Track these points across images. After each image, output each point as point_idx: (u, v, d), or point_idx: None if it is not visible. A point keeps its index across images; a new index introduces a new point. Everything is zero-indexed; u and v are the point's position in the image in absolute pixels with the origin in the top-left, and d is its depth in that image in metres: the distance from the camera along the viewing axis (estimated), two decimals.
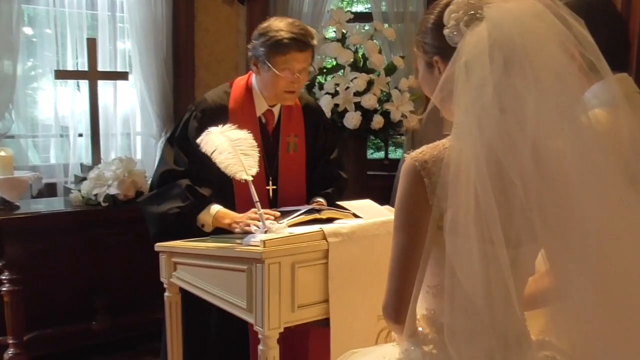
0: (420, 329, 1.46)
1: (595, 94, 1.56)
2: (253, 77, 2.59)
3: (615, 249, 1.29)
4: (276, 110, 2.63)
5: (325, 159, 2.74)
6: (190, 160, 2.51)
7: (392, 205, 1.74)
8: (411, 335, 1.44)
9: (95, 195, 3.55)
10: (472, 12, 1.31)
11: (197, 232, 2.45)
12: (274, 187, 2.60)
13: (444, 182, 1.32)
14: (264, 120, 2.61)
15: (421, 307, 1.47)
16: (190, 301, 2.46)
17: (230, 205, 2.48)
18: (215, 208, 2.44)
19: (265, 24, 2.47)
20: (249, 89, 2.59)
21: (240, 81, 2.62)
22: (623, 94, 1.63)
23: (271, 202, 2.57)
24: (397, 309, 1.42)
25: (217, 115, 2.49)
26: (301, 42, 2.41)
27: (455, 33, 1.33)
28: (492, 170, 1.26)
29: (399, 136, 4.77)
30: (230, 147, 2.19)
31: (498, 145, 1.27)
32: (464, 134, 1.29)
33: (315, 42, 2.47)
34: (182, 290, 2.41)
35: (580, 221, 1.27)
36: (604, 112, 1.50)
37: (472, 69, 1.27)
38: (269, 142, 2.59)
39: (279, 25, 2.42)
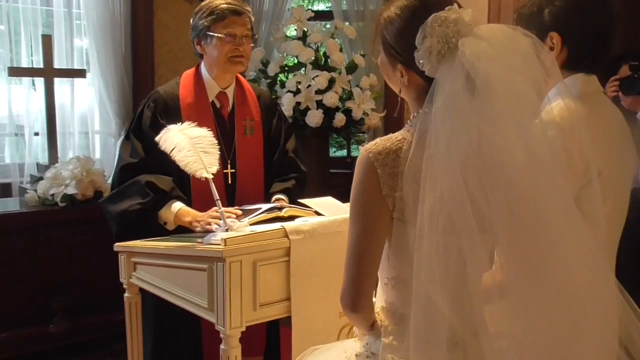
0: (379, 321, 1.47)
1: (569, 85, 1.65)
2: (201, 65, 2.64)
3: (559, 249, 1.33)
4: (230, 93, 2.65)
5: (282, 149, 2.75)
6: (146, 151, 2.50)
7: None
8: (371, 328, 1.46)
9: (52, 195, 3.50)
10: (447, 42, 1.32)
11: (159, 231, 2.43)
12: (232, 170, 2.60)
13: (397, 172, 1.35)
14: (218, 105, 2.64)
15: (380, 299, 1.49)
16: (149, 302, 2.44)
17: (187, 201, 2.47)
18: (177, 206, 2.42)
19: (198, 6, 2.60)
20: (198, 75, 2.64)
21: (188, 72, 2.68)
22: (590, 93, 1.72)
23: (229, 187, 2.58)
24: (355, 298, 1.43)
25: (169, 103, 2.55)
26: (236, 9, 2.52)
27: (425, 61, 1.34)
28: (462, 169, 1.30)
29: (361, 134, 4.78)
30: (189, 145, 2.18)
31: (468, 169, 1.30)
32: (438, 161, 1.31)
33: (249, 9, 2.59)
34: (142, 290, 2.38)
35: (530, 221, 1.31)
36: (575, 104, 1.59)
37: (448, 109, 1.30)
38: (224, 127, 2.62)
39: (212, 1, 2.55)
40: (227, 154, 2.58)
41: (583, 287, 1.34)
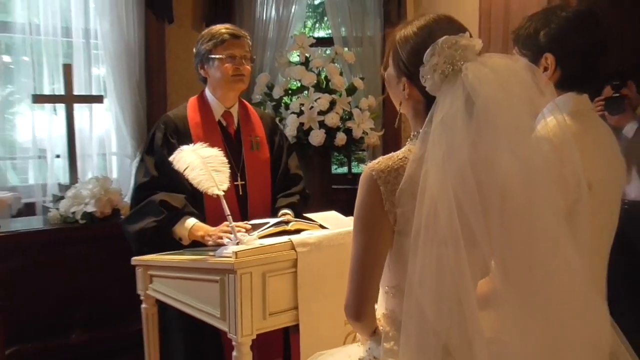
0: (381, 327, 1.46)
1: (561, 104, 1.63)
2: (206, 90, 2.68)
3: (552, 260, 1.32)
4: (235, 113, 2.67)
5: (284, 166, 2.77)
6: (159, 169, 2.50)
7: None
8: (373, 334, 1.45)
9: (73, 213, 3.49)
10: (452, 64, 1.32)
11: (175, 246, 2.42)
12: (242, 182, 2.61)
13: (399, 190, 1.34)
14: (224, 123, 2.66)
15: (381, 307, 1.47)
16: (166, 312, 2.43)
17: (201, 216, 2.46)
18: (191, 222, 2.41)
19: (199, 35, 2.68)
20: (203, 99, 2.67)
21: (193, 98, 2.71)
22: (581, 111, 1.72)
23: (241, 197, 2.59)
24: (358, 307, 1.42)
25: (179, 124, 2.58)
26: (235, 34, 2.59)
27: (429, 77, 1.34)
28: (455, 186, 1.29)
29: (360, 152, 4.78)
30: (201, 164, 2.18)
31: (462, 184, 1.29)
32: (433, 174, 1.30)
33: (246, 33, 2.66)
34: (158, 302, 2.36)
35: (524, 233, 1.30)
36: (569, 120, 1.60)
37: (447, 126, 1.29)
38: (232, 143, 2.63)
39: (212, 27, 2.64)
40: (237, 167, 2.60)
41: (570, 299, 1.33)
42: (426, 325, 1.31)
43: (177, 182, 2.37)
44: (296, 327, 2.06)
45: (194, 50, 2.66)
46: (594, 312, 1.37)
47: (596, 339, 1.37)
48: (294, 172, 2.78)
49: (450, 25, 1.41)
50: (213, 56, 2.57)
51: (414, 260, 1.29)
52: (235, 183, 2.57)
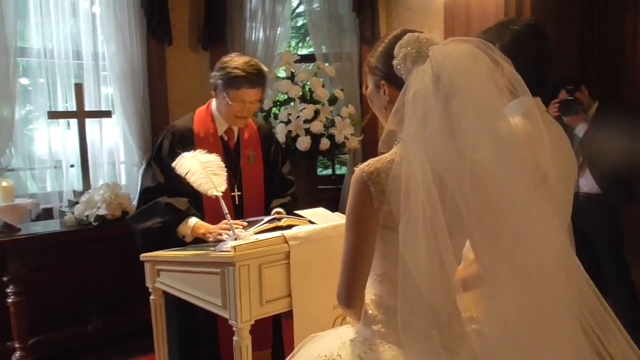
0: (369, 311, 1.43)
1: (514, 108, 1.60)
2: (213, 103, 2.55)
3: (529, 240, 1.29)
4: (235, 128, 2.58)
5: (279, 172, 2.70)
6: (165, 175, 2.44)
7: (341, 212, 1.71)
8: (362, 317, 1.42)
9: (87, 216, 3.47)
10: (419, 50, 1.32)
11: (178, 243, 2.38)
12: (239, 193, 2.54)
13: (388, 189, 1.31)
14: (225, 138, 2.56)
15: (370, 292, 1.45)
16: (174, 303, 2.39)
17: (201, 216, 2.41)
18: (193, 221, 2.36)
19: (226, 58, 2.43)
20: (209, 113, 2.54)
21: (201, 108, 2.58)
22: (533, 112, 1.68)
23: (237, 207, 2.52)
24: (348, 296, 1.40)
25: (185, 135, 2.47)
26: (252, 81, 2.36)
27: (402, 66, 1.34)
28: (435, 181, 1.27)
29: (343, 155, 4.77)
30: (201, 169, 2.14)
31: (440, 162, 1.27)
32: (412, 152, 1.28)
33: (265, 79, 2.44)
34: (165, 293, 2.32)
35: (501, 217, 1.28)
36: (522, 120, 1.56)
37: (418, 102, 1.28)
38: (231, 156, 2.54)
39: (236, 63, 2.38)
40: (234, 179, 2.52)
41: (550, 273, 1.31)
42: (415, 308, 1.30)
43: (181, 186, 2.31)
44: (288, 314, 2.03)
45: (214, 71, 2.44)
46: (572, 285, 1.35)
47: (572, 312, 1.33)
48: (287, 178, 2.73)
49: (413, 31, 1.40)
50: (223, 94, 2.39)
51: (405, 250, 1.27)
52: (232, 194, 2.50)
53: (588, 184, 3.45)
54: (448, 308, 1.37)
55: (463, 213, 1.25)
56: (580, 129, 3.36)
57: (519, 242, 1.27)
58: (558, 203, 1.62)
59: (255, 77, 2.37)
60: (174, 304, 2.39)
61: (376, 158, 1.38)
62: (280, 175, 2.70)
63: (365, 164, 1.37)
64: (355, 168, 1.39)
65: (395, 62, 1.35)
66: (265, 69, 2.46)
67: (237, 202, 2.52)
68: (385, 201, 1.31)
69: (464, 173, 1.25)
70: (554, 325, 1.29)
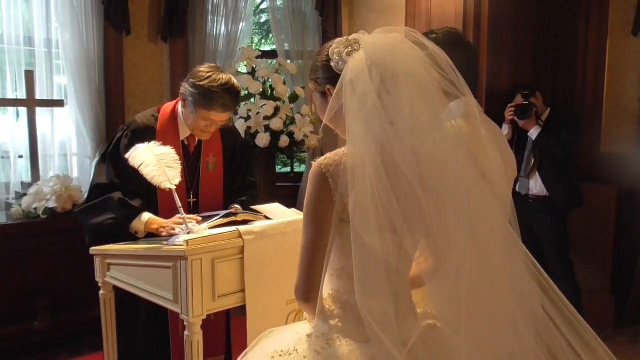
0: (327, 306, 1.43)
1: (452, 109, 1.64)
2: (179, 106, 2.43)
3: (479, 232, 1.32)
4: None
5: (243, 174, 2.63)
6: (120, 174, 2.35)
7: (299, 210, 1.71)
8: (320, 312, 1.42)
9: (35, 208, 3.36)
10: (351, 46, 1.37)
11: (129, 239, 2.30)
12: (195, 199, 2.47)
13: (344, 181, 1.31)
14: (186, 143, 2.47)
15: (327, 288, 1.45)
16: (121, 300, 2.35)
17: (154, 212, 2.36)
18: (146, 216, 2.31)
19: (204, 73, 2.27)
20: (174, 116, 2.43)
21: (167, 107, 2.46)
22: (472, 112, 1.72)
23: (191, 212, 2.40)
24: (306, 290, 1.39)
25: (146, 135, 2.33)
26: (225, 105, 2.27)
27: (340, 62, 1.37)
28: (386, 168, 1.29)
29: (302, 153, 4.77)
30: (155, 161, 2.10)
31: (382, 138, 1.30)
32: (356, 137, 1.31)
33: (239, 101, 2.33)
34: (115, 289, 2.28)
35: (452, 210, 1.30)
36: (463, 121, 1.59)
37: (356, 84, 1.31)
38: (190, 161, 2.46)
39: (212, 82, 2.24)
40: (191, 185, 2.46)
41: (501, 271, 1.34)
42: (375, 299, 1.30)
43: (134, 183, 2.24)
44: (240, 310, 2.02)
45: (187, 80, 2.29)
46: (519, 274, 1.39)
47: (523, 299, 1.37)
48: (249, 180, 2.66)
49: None
50: (192, 109, 2.27)
51: (358, 244, 1.28)
52: (188, 200, 2.44)
53: (537, 186, 3.57)
54: (404, 302, 1.39)
55: (415, 207, 1.28)
56: (534, 133, 3.48)
57: (472, 237, 1.30)
58: (506, 204, 1.67)
59: (230, 102, 2.27)
60: (122, 300, 2.34)
61: (334, 152, 1.39)
62: (243, 177, 2.63)
63: (323, 157, 1.38)
64: (312, 162, 1.40)
65: (333, 63, 1.39)
66: (240, 89, 2.36)
67: (192, 208, 2.45)
68: (346, 192, 1.31)
69: (405, 152, 1.29)
70: (507, 318, 1.33)
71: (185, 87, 2.29)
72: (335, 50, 1.38)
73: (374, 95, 1.29)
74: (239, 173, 2.62)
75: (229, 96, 2.26)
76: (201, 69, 2.29)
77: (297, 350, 1.40)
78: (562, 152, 3.45)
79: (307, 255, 1.39)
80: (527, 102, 3.49)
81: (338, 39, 1.42)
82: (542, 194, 3.56)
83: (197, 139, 2.48)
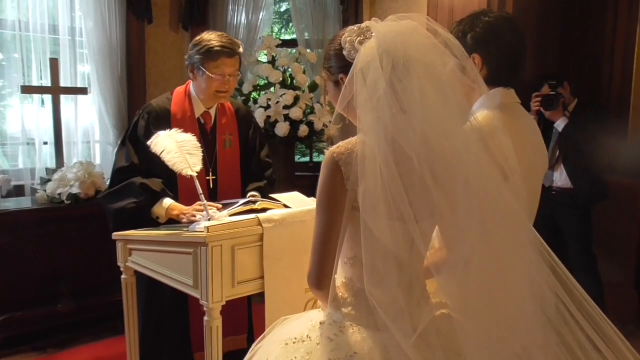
0: (339, 294, 1.44)
1: (484, 101, 1.62)
2: (191, 85, 2.53)
3: (493, 227, 1.32)
4: (212, 112, 2.56)
5: (257, 155, 2.69)
6: (139, 156, 2.41)
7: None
8: (332, 300, 1.43)
9: (59, 194, 3.42)
10: (363, 34, 1.37)
11: (151, 224, 2.36)
12: (214, 177, 2.53)
13: (356, 170, 1.32)
14: (202, 121, 2.54)
15: (340, 276, 1.46)
16: (142, 285, 2.40)
17: (175, 197, 2.40)
18: (167, 202, 2.35)
19: (198, 37, 2.44)
20: (187, 95, 2.52)
21: (179, 89, 2.56)
22: (508, 104, 1.70)
23: (211, 191, 2.50)
24: (319, 277, 1.41)
25: (161, 116, 2.45)
26: (229, 50, 2.38)
27: (352, 51, 1.37)
28: (396, 158, 1.28)
29: (321, 143, 4.78)
30: (176, 148, 2.13)
31: (397, 137, 1.29)
32: (367, 127, 1.31)
33: (241, 50, 2.45)
34: (137, 274, 2.32)
35: (463, 201, 1.30)
36: (495, 112, 1.57)
37: (366, 73, 1.31)
38: (207, 140, 2.52)
39: (210, 37, 2.40)
40: (210, 163, 2.50)
41: (512, 263, 1.34)
42: (387, 289, 1.31)
43: (155, 166, 2.30)
44: (260, 297, 2.04)
45: (188, 50, 2.44)
46: (532, 276, 1.38)
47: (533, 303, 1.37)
48: (265, 161, 2.72)
49: None
50: (203, 69, 2.38)
51: (368, 233, 1.28)
52: (207, 178, 2.49)
53: (562, 178, 3.52)
54: (417, 291, 1.40)
55: (430, 196, 1.27)
56: (560, 124, 3.41)
57: (485, 230, 1.30)
58: (522, 197, 1.66)
59: (231, 47, 2.39)
60: (142, 287, 2.39)
61: (346, 140, 1.39)
62: (258, 158, 2.69)
63: (336, 145, 1.39)
64: (325, 150, 1.41)
65: (345, 52, 1.38)
66: (238, 41, 2.49)
67: (211, 186, 2.51)
68: (355, 182, 1.32)
69: (416, 141, 1.29)
70: (518, 309, 1.33)
71: (189, 56, 2.43)
72: (347, 38, 1.38)
73: (384, 83, 1.29)
74: (254, 152, 2.67)
75: (229, 42, 2.39)
76: (194, 38, 2.46)
77: (310, 337, 1.41)
78: (588, 145, 3.39)
79: (319, 242, 1.40)
80: (554, 92, 3.41)
81: (350, 27, 1.41)
82: (566, 186, 3.50)
83: (212, 117, 2.54)
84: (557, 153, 3.51)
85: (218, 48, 2.36)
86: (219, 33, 2.44)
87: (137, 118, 2.50)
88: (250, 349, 1.52)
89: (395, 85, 1.30)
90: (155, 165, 2.25)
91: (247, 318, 2.59)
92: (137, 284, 2.38)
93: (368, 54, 1.32)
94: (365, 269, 1.31)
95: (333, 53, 1.46)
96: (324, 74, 1.52)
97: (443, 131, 1.31)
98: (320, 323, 1.44)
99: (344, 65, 1.40)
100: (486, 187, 1.32)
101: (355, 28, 1.39)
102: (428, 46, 1.33)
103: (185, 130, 2.28)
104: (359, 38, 1.36)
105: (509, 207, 1.35)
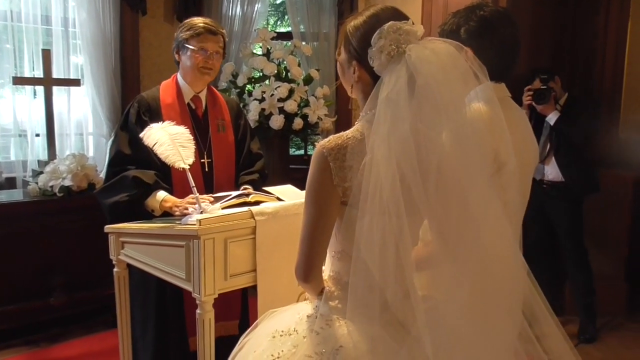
0: (327, 287, 1.44)
1: (479, 92, 1.61)
2: (178, 74, 2.58)
3: (483, 222, 1.32)
4: (203, 97, 2.58)
5: (247, 147, 2.69)
6: (131, 145, 2.42)
7: None
8: (320, 293, 1.44)
9: (51, 186, 3.40)
10: (397, 46, 1.31)
11: (147, 217, 2.36)
12: (209, 160, 2.53)
13: (347, 166, 1.32)
14: (193, 106, 2.56)
15: (328, 269, 1.46)
16: (135, 278, 2.38)
17: (169, 189, 2.39)
18: (161, 195, 2.35)
19: (182, 23, 2.55)
20: (175, 82, 2.57)
21: (166, 81, 2.60)
22: (499, 97, 1.68)
23: (207, 174, 2.50)
24: (306, 270, 1.41)
25: (151, 103, 2.49)
26: (212, 28, 2.48)
27: (376, 57, 1.32)
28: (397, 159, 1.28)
29: (316, 136, 4.76)
30: (169, 140, 2.13)
31: (406, 160, 1.27)
32: (378, 147, 1.28)
33: (223, 31, 2.54)
34: (129, 267, 2.31)
35: (458, 199, 1.30)
36: (485, 106, 1.55)
37: (391, 104, 1.27)
38: (200, 124, 2.54)
39: (194, 19, 2.52)
40: (204, 146, 2.51)
41: (497, 259, 1.34)
42: (371, 283, 1.30)
43: (147, 157, 2.30)
44: (254, 290, 2.03)
45: (174, 35, 2.55)
46: (517, 273, 1.38)
47: (517, 290, 1.37)
48: (255, 152, 2.73)
49: (396, 14, 1.39)
50: (187, 45, 2.45)
51: (361, 227, 1.28)
52: (202, 160, 2.49)
53: (553, 171, 3.53)
54: (404, 285, 1.39)
55: (421, 196, 1.27)
56: (552, 117, 3.43)
57: (473, 226, 1.30)
58: (513, 190, 1.65)
59: (214, 27, 2.49)
60: (137, 280, 2.39)
61: (337, 134, 1.38)
62: (248, 149, 2.70)
63: (326, 140, 1.38)
64: (315, 144, 1.40)
65: (371, 51, 1.33)
66: (222, 27, 2.59)
67: (206, 169, 2.51)
68: (347, 177, 1.32)
69: (429, 169, 1.27)
70: (501, 305, 1.34)
71: (175, 36, 2.53)
72: (380, 41, 1.31)
73: (406, 124, 1.26)
74: (245, 140, 2.69)
75: (212, 23, 2.51)
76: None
77: (297, 330, 1.41)
78: (580, 138, 3.40)
79: (307, 235, 1.39)
80: (545, 87, 3.42)
81: (391, 24, 1.32)
82: (557, 180, 3.52)
83: (203, 103, 2.56)
84: (549, 147, 3.52)
85: (201, 25, 2.46)
86: (203, 17, 2.56)
87: (128, 108, 2.52)
88: (239, 342, 1.53)
89: (415, 121, 1.27)
90: (149, 155, 2.25)
91: (239, 305, 2.58)
92: (132, 277, 2.37)
93: (395, 83, 1.28)
94: (353, 262, 1.31)
95: (361, 31, 1.38)
96: (343, 34, 1.45)
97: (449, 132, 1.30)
98: (308, 316, 1.44)
99: (362, 57, 1.36)
100: (477, 184, 1.32)
101: (395, 29, 1.31)
102: (455, 76, 1.30)
103: (176, 116, 2.33)
104: (389, 50, 1.30)
105: (496, 204, 1.34)
